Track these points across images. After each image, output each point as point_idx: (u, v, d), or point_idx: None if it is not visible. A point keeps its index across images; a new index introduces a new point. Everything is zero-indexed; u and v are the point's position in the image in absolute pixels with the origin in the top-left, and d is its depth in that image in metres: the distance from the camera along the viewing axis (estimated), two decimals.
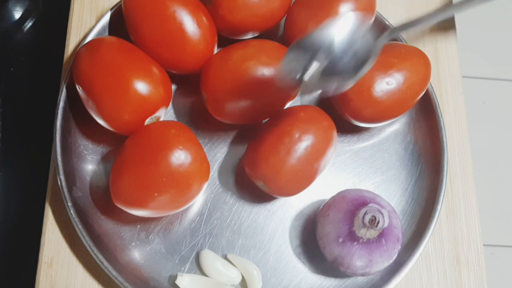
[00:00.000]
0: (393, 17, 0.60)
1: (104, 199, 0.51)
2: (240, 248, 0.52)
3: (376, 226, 0.46)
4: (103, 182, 0.52)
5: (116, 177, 0.47)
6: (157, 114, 0.50)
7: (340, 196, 0.50)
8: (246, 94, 0.49)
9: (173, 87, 0.55)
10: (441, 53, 0.61)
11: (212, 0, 0.52)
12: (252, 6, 0.51)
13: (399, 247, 0.48)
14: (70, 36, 0.56)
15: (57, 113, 0.51)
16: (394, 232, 0.48)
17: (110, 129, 0.50)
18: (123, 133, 0.50)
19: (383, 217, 0.46)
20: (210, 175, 0.49)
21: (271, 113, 0.52)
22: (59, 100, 0.51)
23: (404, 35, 0.58)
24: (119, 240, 0.50)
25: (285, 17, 0.55)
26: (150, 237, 0.51)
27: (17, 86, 0.63)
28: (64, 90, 0.52)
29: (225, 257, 0.51)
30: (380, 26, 0.57)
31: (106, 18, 0.55)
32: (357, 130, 0.56)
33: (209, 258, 0.50)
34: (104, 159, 0.53)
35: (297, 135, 0.48)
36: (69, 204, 0.49)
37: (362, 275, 0.49)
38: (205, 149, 0.49)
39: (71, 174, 0.50)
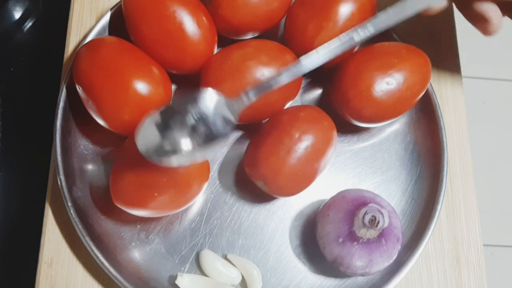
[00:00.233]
0: None
1: (104, 199, 0.51)
2: (240, 248, 0.52)
3: (376, 226, 0.46)
4: (103, 182, 0.52)
5: (116, 177, 0.47)
6: None
7: (340, 196, 0.50)
8: None
9: (173, 87, 0.55)
10: (441, 53, 0.61)
11: (212, 0, 0.52)
12: (252, 6, 0.51)
13: (399, 247, 0.48)
14: (70, 36, 0.56)
15: (57, 113, 0.51)
16: (394, 232, 0.48)
17: (110, 129, 0.50)
18: (123, 133, 0.50)
19: (383, 217, 0.46)
20: (210, 175, 0.49)
21: (271, 113, 0.52)
22: (59, 100, 0.51)
23: (404, 36, 0.58)
24: (119, 240, 0.50)
25: (285, 17, 0.55)
26: (150, 237, 0.51)
27: (17, 86, 0.63)
28: (64, 90, 0.52)
29: (225, 257, 0.51)
30: None
31: (106, 18, 0.55)
32: (357, 130, 0.56)
33: (209, 258, 0.50)
34: (104, 159, 0.53)
35: (297, 135, 0.48)
36: (69, 204, 0.49)
37: (362, 275, 0.49)
38: None
39: (71, 174, 0.50)
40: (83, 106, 0.50)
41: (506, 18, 0.51)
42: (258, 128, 0.52)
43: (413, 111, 0.57)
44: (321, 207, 0.51)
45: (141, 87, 0.48)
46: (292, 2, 0.54)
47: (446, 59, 0.61)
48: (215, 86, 0.50)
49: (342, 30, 0.51)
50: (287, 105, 0.53)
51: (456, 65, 0.61)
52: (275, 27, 0.56)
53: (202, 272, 0.50)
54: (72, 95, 0.51)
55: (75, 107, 0.52)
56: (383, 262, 0.47)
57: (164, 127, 0.43)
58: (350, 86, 0.51)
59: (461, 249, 0.54)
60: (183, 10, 0.50)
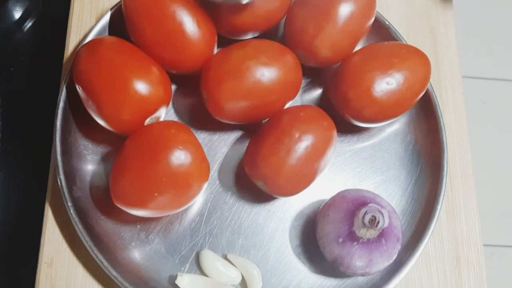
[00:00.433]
0: (393, 17, 0.60)
1: (104, 199, 0.51)
2: (240, 248, 0.52)
3: (376, 226, 0.46)
4: (103, 182, 0.52)
5: (116, 177, 0.47)
6: (157, 114, 0.50)
7: (340, 196, 0.50)
8: (246, 94, 0.49)
9: (173, 87, 0.55)
10: (441, 53, 0.61)
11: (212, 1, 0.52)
12: (252, 7, 0.51)
13: (399, 247, 0.48)
14: (70, 36, 0.56)
15: (57, 113, 0.51)
16: (394, 232, 0.48)
17: (110, 129, 0.50)
18: (123, 133, 0.50)
19: (383, 217, 0.46)
20: (210, 175, 0.49)
21: (271, 113, 0.52)
22: (59, 100, 0.51)
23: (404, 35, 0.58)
24: (119, 240, 0.50)
25: (285, 17, 0.55)
26: (150, 237, 0.51)
27: (17, 86, 0.63)
28: (64, 90, 0.52)
29: (225, 257, 0.51)
30: (380, 26, 0.57)
31: (106, 18, 0.55)
32: (357, 130, 0.56)
33: (209, 258, 0.50)
34: (104, 159, 0.53)
35: (297, 135, 0.48)
36: (69, 204, 0.49)
37: (362, 275, 0.49)
38: (205, 149, 0.49)
39: (71, 174, 0.50)
40: (83, 106, 0.50)
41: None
42: (258, 128, 0.52)
43: (413, 111, 0.57)
44: (321, 207, 0.51)
45: (141, 87, 0.48)
46: (292, 2, 0.54)
47: (446, 59, 0.61)
48: (215, 86, 0.50)
49: (342, 30, 0.51)
50: (287, 105, 0.53)
51: (456, 65, 0.61)
52: (275, 27, 0.56)
53: (202, 272, 0.50)
54: (72, 95, 0.51)
55: (75, 107, 0.52)
56: (383, 262, 0.47)
57: None
58: (350, 86, 0.51)
59: (461, 249, 0.54)
60: (183, 10, 0.50)
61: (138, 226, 0.51)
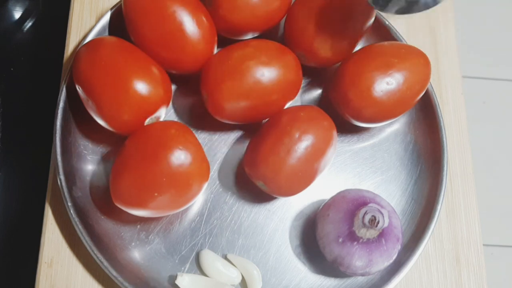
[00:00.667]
0: (393, 17, 0.60)
1: (104, 199, 0.51)
2: (240, 248, 0.52)
3: (376, 226, 0.46)
4: (103, 182, 0.52)
5: (116, 177, 0.47)
6: (157, 114, 0.50)
7: (340, 196, 0.50)
8: (246, 94, 0.49)
9: (173, 87, 0.55)
10: (441, 53, 0.61)
11: (212, 1, 0.52)
12: (252, 7, 0.51)
13: (399, 247, 0.48)
14: (70, 36, 0.56)
15: (57, 113, 0.51)
16: (394, 232, 0.48)
17: (110, 129, 0.50)
18: (123, 133, 0.50)
19: (383, 217, 0.46)
20: (210, 175, 0.49)
21: (271, 113, 0.52)
22: (59, 100, 0.51)
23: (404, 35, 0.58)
24: (119, 240, 0.50)
25: (285, 17, 0.55)
26: (150, 237, 0.51)
27: (17, 86, 0.63)
28: (64, 90, 0.52)
29: (225, 257, 0.51)
30: (380, 26, 0.57)
31: (106, 18, 0.55)
32: (357, 130, 0.56)
33: (209, 258, 0.50)
34: (104, 159, 0.53)
35: (297, 135, 0.48)
36: (69, 204, 0.49)
37: (362, 275, 0.49)
38: (205, 149, 0.49)
39: (71, 174, 0.50)
40: (83, 106, 0.50)
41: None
42: (258, 128, 0.52)
43: (413, 111, 0.57)
44: (321, 207, 0.51)
45: (141, 87, 0.48)
46: (292, 2, 0.54)
47: (446, 58, 0.61)
48: (215, 86, 0.50)
49: (342, 30, 0.51)
50: (287, 105, 0.53)
51: (456, 65, 0.61)
52: (275, 27, 0.56)
53: (202, 272, 0.50)
54: (72, 95, 0.51)
55: (75, 107, 0.52)
56: (383, 262, 0.48)
57: None
58: (350, 86, 0.51)
59: (461, 249, 0.54)
60: (183, 10, 0.50)
61: (138, 226, 0.51)
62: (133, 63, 0.49)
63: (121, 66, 0.48)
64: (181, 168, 0.46)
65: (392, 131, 0.57)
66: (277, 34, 0.58)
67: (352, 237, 0.47)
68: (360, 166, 0.56)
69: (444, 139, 0.54)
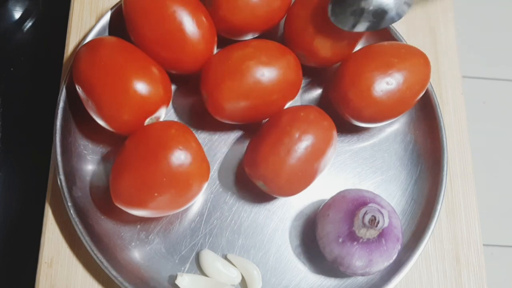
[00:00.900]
0: None
1: (104, 199, 0.51)
2: (240, 248, 0.52)
3: (376, 226, 0.46)
4: (103, 182, 0.52)
5: (116, 177, 0.47)
6: (157, 114, 0.50)
7: (340, 196, 0.50)
8: (246, 94, 0.49)
9: (173, 87, 0.55)
10: (441, 53, 0.61)
11: (212, 1, 0.52)
12: (252, 7, 0.51)
13: (399, 247, 0.48)
14: (70, 36, 0.56)
15: (57, 113, 0.51)
16: (394, 232, 0.48)
17: (110, 129, 0.50)
18: (123, 133, 0.50)
19: (383, 217, 0.46)
20: (210, 175, 0.49)
21: (271, 113, 0.52)
22: (59, 100, 0.51)
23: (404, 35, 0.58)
24: (119, 240, 0.50)
25: (285, 17, 0.55)
26: (150, 237, 0.51)
27: (17, 86, 0.63)
28: (64, 90, 0.52)
29: (225, 257, 0.51)
30: None
31: (106, 18, 0.55)
32: (357, 130, 0.56)
33: (209, 258, 0.50)
34: (104, 159, 0.53)
35: (297, 135, 0.48)
36: (69, 204, 0.49)
37: (362, 275, 0.49)
38: (205, 149, 0.49)
39: (71, 174, 0.50)
40: (83, 106, 0.50)
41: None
42: (258, 128, 0.52)
43: (413, 111, 0.57)
44: (321, 207, 0.51)
45: (141, 87, 0.48)
46: (292, 2, 0.54)
47: (446, 58, 0.61)
48: (215, 86, 0.50)
49: (341, 30, 0.51)
50: (287, 105, 0.53)
51: (456, 65, 0.61)
52: (275, 27, 0.56)
53: (202, 272, 0.50)
54: (72, 95, 0.51)
55: (75, 107, 0.52)
56: (383, 262, 0.48)
57: None
58: (350, 86, 0.51)
59: (461, 249, 0.54)
60: (183, 10, 0.50)
61: (138, 226, 0.51)
62: (133, 63, 0.49)
63: (121, 66, 0.48)
64: (181, 168, 0.46)
65: (392, 131, 0.57)
66: (277, 34, 0.58)
67: (352, 237, 0.47)
68: (360, 166, 0.56)
69: (444, 139, 0.54)
